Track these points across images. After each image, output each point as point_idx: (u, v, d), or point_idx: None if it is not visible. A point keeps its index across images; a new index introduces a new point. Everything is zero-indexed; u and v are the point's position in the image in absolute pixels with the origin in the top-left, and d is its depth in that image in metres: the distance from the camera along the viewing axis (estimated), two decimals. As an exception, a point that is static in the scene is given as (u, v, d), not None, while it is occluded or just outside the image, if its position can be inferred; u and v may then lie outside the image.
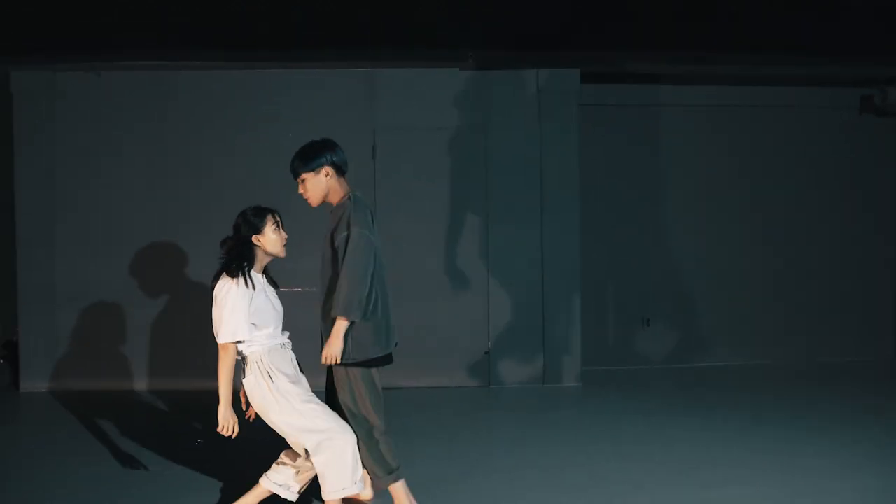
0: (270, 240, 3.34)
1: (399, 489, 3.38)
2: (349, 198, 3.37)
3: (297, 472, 3.41)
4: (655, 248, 7.12)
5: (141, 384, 6.30)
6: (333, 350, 3.25)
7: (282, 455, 3.48)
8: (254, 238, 3.33)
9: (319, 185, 3.35)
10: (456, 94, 6.38)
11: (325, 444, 3.21)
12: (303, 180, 3.36)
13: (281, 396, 3.24)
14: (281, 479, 3.43)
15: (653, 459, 4.33)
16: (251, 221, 3.34)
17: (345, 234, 3.25)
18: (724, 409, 5.48)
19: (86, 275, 6.32)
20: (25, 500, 3.81)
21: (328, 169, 3.34)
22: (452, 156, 6.38)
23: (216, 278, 3.33)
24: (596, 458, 4.41)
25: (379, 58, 6.21)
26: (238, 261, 3.30)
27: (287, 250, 3.41)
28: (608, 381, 6.55)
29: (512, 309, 6.43)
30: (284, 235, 3.39)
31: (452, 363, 6.37)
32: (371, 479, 3.39)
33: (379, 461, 3.34)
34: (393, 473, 3.35)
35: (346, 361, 3.30)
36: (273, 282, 3.49)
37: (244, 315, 3.23)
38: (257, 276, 3.36)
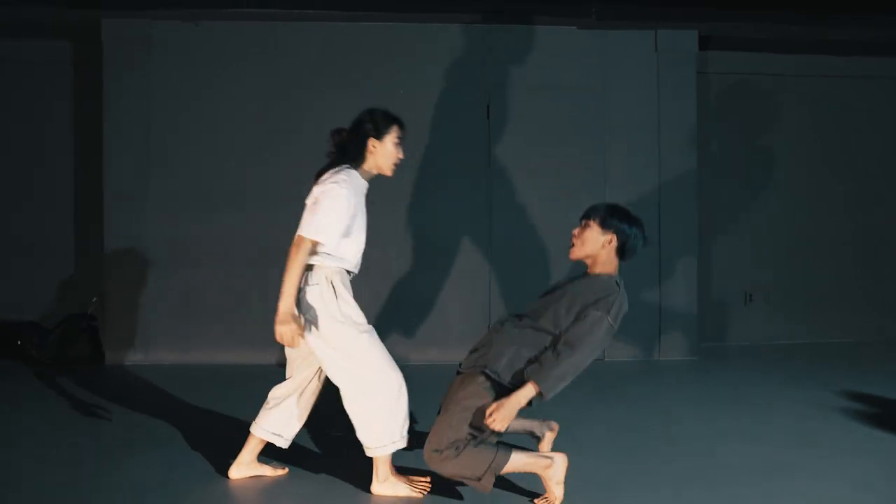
0: (387, 151, 2.97)
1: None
2: (616, 282, 3.00)
3: (290, 418, 3.08)
4: (757, 221, 6.90)
5: (236, 356, 5.84)
6: (506, 413, 2.77)
7: (270, 397, 3.11)
8: (370, 141, 2.95)
9: (596, 243, 3.00)
10: (573, 54, 6.10)
11: (365, 390, 2.83)
12: (587, 226, 3.01)
13: (343, 318, 2.84)
14: (271, 425, 3.08)
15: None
16: (377, 122, 2.96)
17: (597, 314, 2.87)
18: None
19: (178, 237, 5.88)
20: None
21: (615, 239, 3.00)
22: (568, 116, 6.08)
23: (318, 176, 2.96)
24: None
25: (495, 11, 5.91)
26: (350, 158, 2.94)
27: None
28: (722, 356, 6.29)
29: (627, 277, 6.02)
30: (400, 155, 3.01)
31: (567, 335, 6.04)
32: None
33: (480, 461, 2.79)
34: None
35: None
36: None
37: (340, 218, 2.82)
38: (363, 182, 3.00)
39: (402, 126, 3.03)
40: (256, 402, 3.21)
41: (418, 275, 6.00)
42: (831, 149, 6.98)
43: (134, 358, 5.82)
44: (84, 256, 6.32)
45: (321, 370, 3.07)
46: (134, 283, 5.85)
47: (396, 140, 2.99)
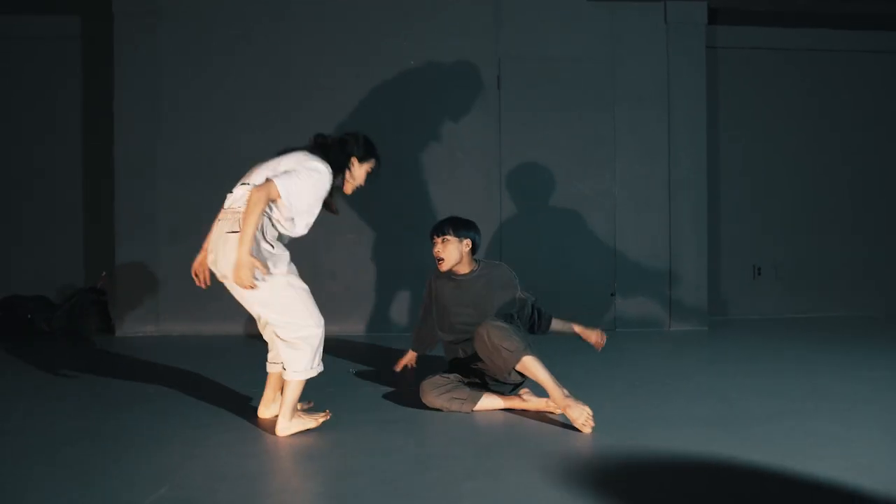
0: (357, 173, 3.23)
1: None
2: (495, 264, 3.79)
3: None
4: (767, 195, 6.92)
5: (248, 328, 5.86)
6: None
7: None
8: (353, 159, 3.18)
9: (459, 251, 3.64)
10: (583, 24, 6.12)
11: (299, 325, 3.01)
12: (446, 241, 3.63)
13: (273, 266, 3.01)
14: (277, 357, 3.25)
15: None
16: (362, 146, 3.21)
17: (517, 295, 3.71)
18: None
19: (188, 209, 5.89)
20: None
21: (470, 242, 3.66)
22: (579, 87, 6.10)
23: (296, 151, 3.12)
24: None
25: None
26: (330, 163, 3.10)
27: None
28: (732, 327, 6.29)
29: (638, 248, 6.16)
30: (362, 184, 3.28)
31: (578, 305, 6.05)
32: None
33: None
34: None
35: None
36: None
37: (310, 198, 2.99)
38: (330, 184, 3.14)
39: (379, 163, 3.30)
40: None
41: (427, 244, 5.98)
42: (840, 124, 6.99)
43: (144, 330, 5.83)
44: (95, 230, 6.33)
45: None
46: (144, 255, 5.86)
47: (369, 168, 3.26)
